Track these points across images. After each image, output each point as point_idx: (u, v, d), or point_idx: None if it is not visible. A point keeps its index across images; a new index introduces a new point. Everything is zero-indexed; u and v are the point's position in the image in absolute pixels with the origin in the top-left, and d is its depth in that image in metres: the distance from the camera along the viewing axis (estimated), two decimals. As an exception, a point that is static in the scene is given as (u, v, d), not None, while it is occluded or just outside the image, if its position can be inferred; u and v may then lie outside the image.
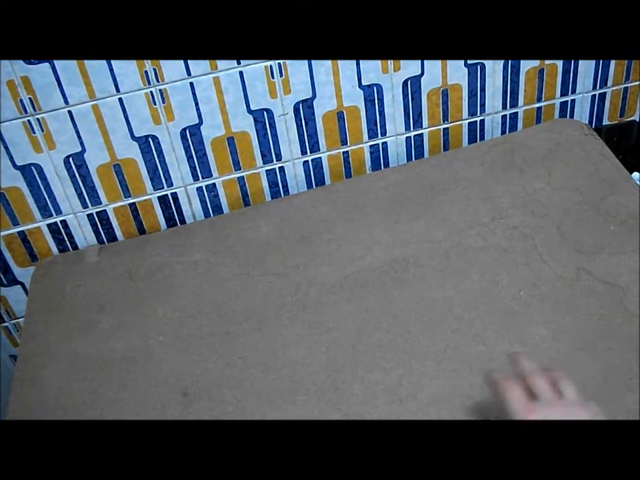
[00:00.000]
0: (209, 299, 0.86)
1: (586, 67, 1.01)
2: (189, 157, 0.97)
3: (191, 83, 0.90)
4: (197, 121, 0.94)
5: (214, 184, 1.00)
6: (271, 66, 0.91)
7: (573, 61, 1.00)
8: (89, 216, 0.98)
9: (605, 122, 1.08)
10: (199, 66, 0.89)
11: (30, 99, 0.87)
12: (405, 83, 0.97)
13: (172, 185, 0.98)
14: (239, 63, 0.90)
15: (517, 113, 1.04)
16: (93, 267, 0.94)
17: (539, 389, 0.56)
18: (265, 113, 0.95)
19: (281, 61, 0.91)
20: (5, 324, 1.05)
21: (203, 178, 0.99)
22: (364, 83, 0.96)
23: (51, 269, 0.96)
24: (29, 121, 0.88)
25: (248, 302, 0.84)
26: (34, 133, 0.89)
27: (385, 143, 1.02)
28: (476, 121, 1.03)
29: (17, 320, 1.05)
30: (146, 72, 0.88)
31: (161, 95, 0.90)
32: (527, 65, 0.99)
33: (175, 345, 0.81)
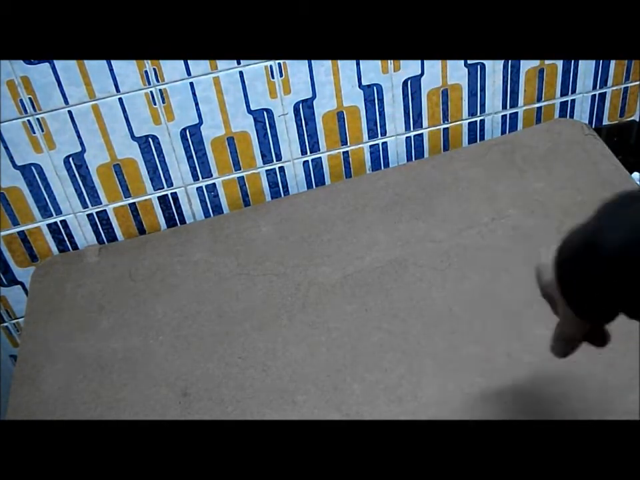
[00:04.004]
0: (209, 298, 0.86)
1: (586, 67, 1.01)
2: (189, 157, 0.97)
3: (191, 83, 0.90)
4: (197, 121, 0.94)
5: (214, 184, 1.00)
6: (270, 66, 0.91)
7: (572, 61, 1.00)
8: (89, 216, 0.98)
9: (605, 122, 1.08)
10: (198, 66, 0.89)
11: (30, 98, 0.87)
12: (405, 83, 0.97)
13: (172, 185, 0.98)
14: (238, 63, 0.90)
15: (517, 113, 1.04)
16: (92, 267, 0.94)
17: None
18: (265, 112, 0.95)
19: (281, 61, 0.91)
20: (5, 324, 1.05)
21: (202, 178, 0.99)
22: (364, 83, 0.96)
23: (51, 269, 0.96)
24: (28, 121, 0.88)
25: (248, 302, 0.84)
26: (34, 132, 0.89)
27: (385, 143, 1.02)
28: (476, 121, 1.03)
29: (16, 320, 1.05)
30: (146, 72, 0.88)
31: (161, 95, 0.90)
32: (526, 65, 0.99)
33: (175, 345, 0.81)
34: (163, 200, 0.99)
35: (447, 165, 0.98)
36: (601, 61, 1.01)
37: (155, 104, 0.91)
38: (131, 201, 0.98)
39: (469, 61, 0.97)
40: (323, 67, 0.93)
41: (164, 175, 0.97)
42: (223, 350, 0.80)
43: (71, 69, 0.86)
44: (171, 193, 0.99)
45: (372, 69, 0.94)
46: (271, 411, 0.72)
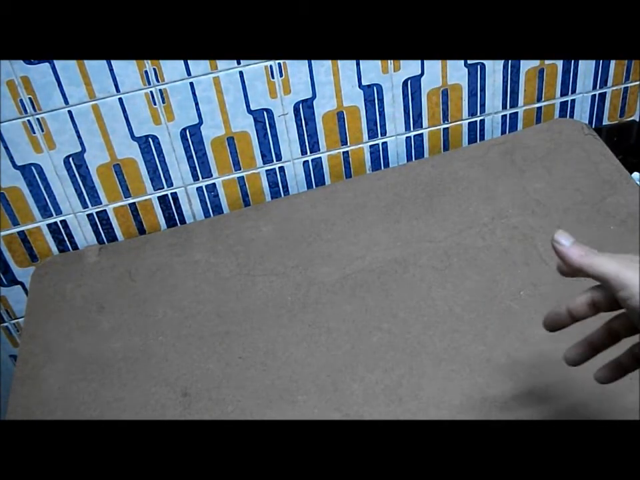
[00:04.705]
0: (209, 298, 0.86)
1: (586, 67, 1.01)
2: (189, 157, 0.97)
3: (191, 83, 0.90)
4: (197, 121, 0.94)
5: (214, 184, 1.00)
6: (270, 66, 0.91)
7: (572, 61, 1.00)
8: (89, 216, 0.98)
9: (605, 122, 1.08)
10: (199, 66, 0.89)
11: (30, 98, 0.87)
12: (405, 83, 0.97)
13: (172, 185, 0.98)
14: (238, 63, 0.90)
15: (516, 113, 1.04)
16: (92, 266, 0.94)
17: None
18: (265, 112, 0.95)
19: (281, 61, 0.91)
20: (5, 324, 1.05)
21: (202, 178, 0.99)
22: (364, 82, 0.96)
23: (51, 269, 0.96)
24: (28, 121, 0.88)
25: (248, 302, 0.84)
26: (34, 132, 0.89)
27: (385, 143, 1.02)
28: (476, 121, 1.03)
29: (16, 320, 1.05)
30: (146, 72, 0.88)
31: (161, 94, 0.90)
32: (526, 65, 0.99)
33: (175, 345, 0.81)
34: (163, 200, 0.99)
35: (447, 165, 0.98)
36: (601, 61, 1.01)
37: (155, 104, 0.91)
38: (131, 201, 0.98)
39: (469, 61, 0.97)
40: (323, 67, 0.93)
41: (164, 175, 0.97)
42: (223, 350, 0.80)
43: (70, 68, 0.86)
44: (171, 193, 0.99)
45: (372, 69, 0.94)
46: (270, 411, 0.72)
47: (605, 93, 1.05)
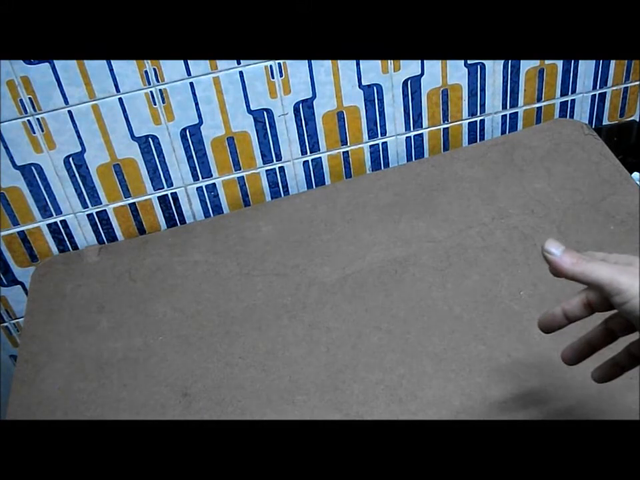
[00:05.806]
0: (209, 298, 0.86)
1: (586, 67, 1.01)
2: (189, 157, 0.97)
3: (191, 83, 0.90)
4: (197, 121, 0.94)
5: (214, 184, 1.00)
6: (270, 66, 0.91)
7: (572, 61, 1.00)
8: (89, 216, 0.98)
9: (605, 122, 1.08)
10: (199, 66, 0.89)
11: (30, 98, 0.87)
12: (405, 83, 0.97)
13: (172, 185, 0.98)
14: (238, 63, 0.90)
15: (517, 113, 1.04)
16: (92, 266, 0.94)
17: None
18: (265, 112, 0.95)
19: (281, 61, 0.91)
20: (5, 324, 1.05)
21: (202, 178, 0.99)
22: (364, 82, 0.96)
23: (51, 269, 0.96)
24: (28, 121, 0.88)
25: (248, 302, 0.84)
26: (34, 132, 0.89)
27: (384, 143, 1.02)
28: (476, 121, 1.03)
29: (16, 320, 1.05)
30: (146, 72, 0.88)
31: (161, 94, 0.90)
32: (526, 65, 0.99)
33: (175, 345, 0.81)
34: (163, 200, 0.99)
35: (447, 165, 0.98)
36: (601, 61, 1.01)
37: (155, 104, 0.91)
38: (131, 201, 0.98)
39: (469, 61, 0.97)
40: (322, 67, 0.93)
41: (164, 175, 0.97)
42: (223, 350, 0.80)
43: (71, 68, 0.86)
44: (171, 193, 0.99)
45: (372, 69, 0.94)
46: (270, 411, 0.72)
47: (605, 93, 1.05)
